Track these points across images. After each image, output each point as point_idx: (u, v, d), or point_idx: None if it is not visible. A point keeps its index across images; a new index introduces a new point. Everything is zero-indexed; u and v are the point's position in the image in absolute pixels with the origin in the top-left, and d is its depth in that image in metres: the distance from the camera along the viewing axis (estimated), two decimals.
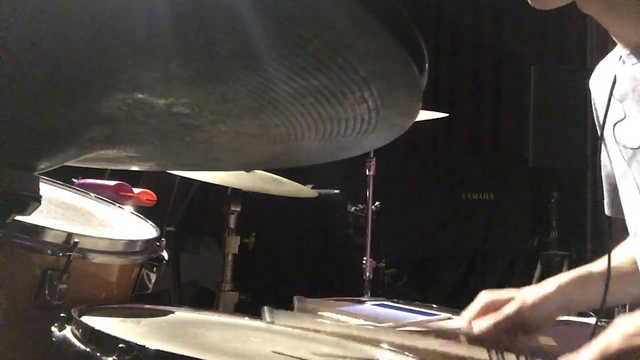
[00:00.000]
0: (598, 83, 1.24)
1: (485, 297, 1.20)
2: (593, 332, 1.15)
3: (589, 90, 1.28)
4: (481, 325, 1.14)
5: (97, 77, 0.49)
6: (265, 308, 0.96)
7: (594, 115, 1.27)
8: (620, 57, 1.14)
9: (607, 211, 1.32)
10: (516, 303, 1.16)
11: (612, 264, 1.21)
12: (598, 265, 1.25)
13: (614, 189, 1.24)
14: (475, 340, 1.13)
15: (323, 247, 3.17)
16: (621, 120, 1.13)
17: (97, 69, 0.48)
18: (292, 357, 0.92)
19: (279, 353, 0.93)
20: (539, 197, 3.44)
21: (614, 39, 1.14)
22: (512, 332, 1.14)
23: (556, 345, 1.17)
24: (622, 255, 1.27)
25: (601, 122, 1.15)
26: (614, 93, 1.13)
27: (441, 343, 1.05)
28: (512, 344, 1.13)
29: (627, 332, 0.85)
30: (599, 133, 1.22)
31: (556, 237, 3.17)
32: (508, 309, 1.15)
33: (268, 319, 0.95)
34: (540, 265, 3.12)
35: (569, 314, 1.28)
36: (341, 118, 0.51)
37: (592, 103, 1.27)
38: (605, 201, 1.32)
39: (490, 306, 1.18)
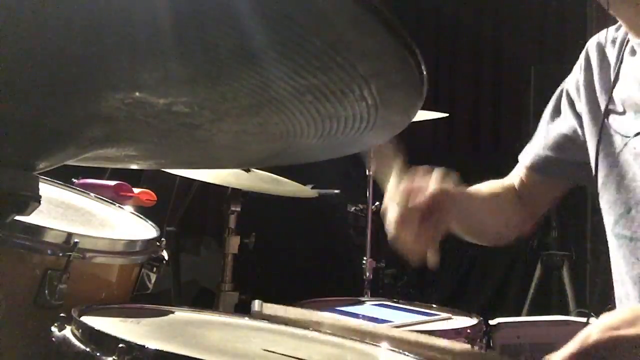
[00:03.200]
0: (597, 61, 1.25)
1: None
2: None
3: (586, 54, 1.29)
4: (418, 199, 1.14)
5: (96, 77, 0.49)
6: (256, 301, 0.96)
7: (579, 78, 1.28)
8: (624, 45, 1.15)
9: (522, 157, 1.43)
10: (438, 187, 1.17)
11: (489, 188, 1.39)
12: (474, 189, 1.38)
13: (547, 148, 1.34)
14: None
15: (323, 247, 3.17)
16: (620, 113, 1.15)
17: (97, 69, 0.48)
18: (292, 357, 0.92)
19: (280, 354, 0.93)
20: None
21: (626, 28, 1.14)
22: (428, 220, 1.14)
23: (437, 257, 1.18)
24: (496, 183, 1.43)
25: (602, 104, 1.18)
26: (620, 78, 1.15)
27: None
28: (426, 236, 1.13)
29: (606, 325, 0.86)
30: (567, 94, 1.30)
31: (556, 237, 3.17)
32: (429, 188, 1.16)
33: (257, 308, 0.95)
34: (540, 265, 3.12)
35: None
36: (340, 116, 0.51)
37: (584, 68, 1.28)
38: (531, 148, 1.40)
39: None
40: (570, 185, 1.41)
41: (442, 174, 1.20)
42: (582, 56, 1.30)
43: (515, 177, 1.46)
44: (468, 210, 1.29)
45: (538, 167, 1.39)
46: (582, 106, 1.28)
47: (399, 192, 1.14)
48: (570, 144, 1.32)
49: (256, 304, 0.95)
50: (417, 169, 1.20)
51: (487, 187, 1.43)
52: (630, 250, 1.13)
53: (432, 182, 1.17)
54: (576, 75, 1.32)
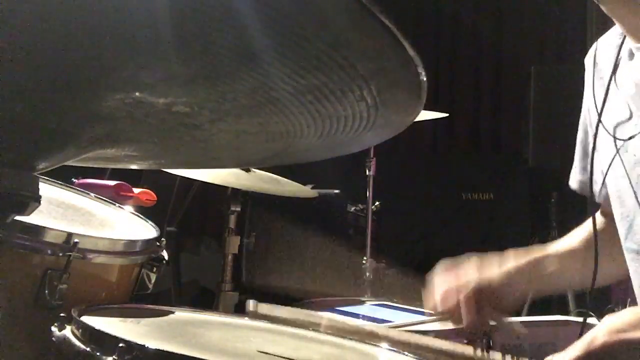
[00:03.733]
0: (598, 65, 1.23)
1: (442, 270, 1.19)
2: (582, 330, 1.15)
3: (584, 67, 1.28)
4: (445, 303, 1.14)
5: (97, 77, 0.49)
6: (250, 301, 0.96)
7: (587, 96, 1.26)
8: (620, 48, 1.13)
9: (572, 184, 1.37)
10: (474, 284, 1.16)
11: (566, 244, 1.30)
12: (554, 247, 1.30)
13: (586, 165, 1.26)
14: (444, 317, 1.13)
15: (323, 247, 3.17)
16: (627, 120, 1.13)
17: (97, 69, 0.48)
18: (292, 357, 0.92)
19: (279, 356, 0.93)
20: (538, 197, 3.44)
21: (624, 32, 1.13)
22: (479, 309, 1.14)
23: (526, 332, 1.18)
24: (577, 235, 1.31)
25: (599, 106, 1.16)
26: (617, 86, 1.14)
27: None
28: (483, 322, 1.13)
29: (612, 328, 0.86)
30: (584, 115, 1.26)
31: (556, 237, 3.16)
32: (469, 284, 1.15)
33: (251, 308, 0.95)
34: None
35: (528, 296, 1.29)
36: (340, 116, 0.51)
37: (588, 80, 1.27)
38: (574, 175, 1.35)
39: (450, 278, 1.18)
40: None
41: (479, 264, 1.19)
42: (586, 64, 1.28)
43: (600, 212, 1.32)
44: (543, 277, 1.25)
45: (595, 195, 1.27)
46: (592, 117, 1.25)
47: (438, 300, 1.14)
48: None
49: (251, 304, 0.95)
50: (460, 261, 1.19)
51: (567, 242, 1.33)
52: (639, 264, 1.11)
53: (467, 278, 1.16)
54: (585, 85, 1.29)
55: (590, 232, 1.22)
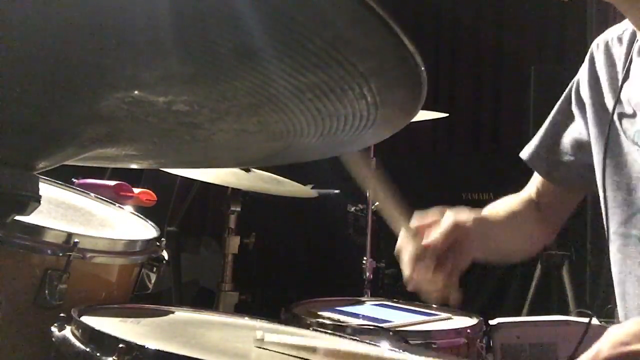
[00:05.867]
0: (603, 60, 1.24)
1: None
2: (586, 331, 1.16)
3: (590, 56, 1.28)
4: (430, 237, 1.13)
5: (96, 76, 0.49)
6: (257, 332, 0.96)
7: (588, 83, 1.27)
8: (633, 45, 1.14)
9: (525, 155, 1.42)
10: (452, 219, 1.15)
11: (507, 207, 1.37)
12: (498, 210, 1.36)
13: (552, 150, 1.34)
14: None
15: (323, 247, 3.17)
16: (632, 115, 1.14)
17: (97, 68, 0.48)
18: (293, 356, 0.92)
19: (280, 353, 0.93)
20: None
21: (634, 27, 1.13)
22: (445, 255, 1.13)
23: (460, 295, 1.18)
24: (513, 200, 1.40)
25: (609, 100, 1.17)
26: (630, 77, 1.14)
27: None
28: (441, 267, 1.12)
29: (617, 340, 0.86)
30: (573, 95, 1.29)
31: (556, 237, 3.16)
32: (445, 225, 1.14)
33: (258, 337, 0.95)
34: (540, 265, 3.11)
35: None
36: (340, 114, 0.51)
37: (588, 69, 1.27)
38: (533, 148, 1.40)
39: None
40: (586, 190, 1.39)
41: (455, 211, 1.17)
42: (587, 56, 1.29)
43: (532, 187, 1.42)
44: (489, 236, 1.25)
45: (552, 175, 1.37)
46: (588, 107, 1.26)
47: (411, 232, 1.11)
48: (580, 147, 1.30)
49: (257, 335, 0.95)
50: (430, 211, 1.18)
51: (504, 205, 1.39)
52: (639, 250, 1.12)
53: (445, 217, 1.15)
54: (581, 76, 1.30)
55: (522, 200, 1.40)
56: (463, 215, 1.17)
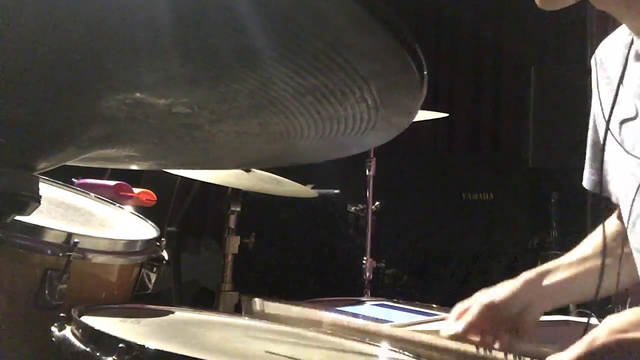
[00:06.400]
0: (604, 64, 1.23)
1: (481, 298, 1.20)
2: (585, 330, 1.15)
3: (591, 67, 1.28)
4: (455, 327, 1.14)
5: (97, 77, 0.49)
6: (256, 300, 0.95)
7: (595, 96, 1.26)
8: (629, 50, 1.13)
9: (585, 184, 1.35)
10: (481, 301, 1.16)
11: (579, 252, 1.28)
12: (567, 257, 1.28)
13: (598, 165, 1.25)
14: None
15: (323, 247, 3.17)
16: (632, 118, 1.13)
17: (97, 69, 0.48)
18: (292, 357, 0.92)
19: (279, 354, 0.93)
20: (538, 197, 3.44)
21: (631, 33, 1.13)
22: (494, 332, 1.14)
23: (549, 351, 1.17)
24: (590, 242, 1.29)
25: (606, 110, 1.16)
26: (624, 85, 1.13)
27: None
28: (501, 345, 1.13)
29: (613, 328, 0.86)
30: (594, 114, 1.25)
31: (556, 237, 3.17)
32: (474, 308, 1.15)
33: (258, 308, 0.95)
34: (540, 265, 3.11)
35: (552, 311, 1.28)
36: (341, 117, 0.51)
37: (594, 80, 1.26)
38: (586, 174, 1.34)
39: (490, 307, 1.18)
40: None
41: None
42: (592, 64, 1.28)
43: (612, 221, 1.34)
44: (555, 288, 1.23)
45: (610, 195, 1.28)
46: (592, 115, 1.26)
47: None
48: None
49: (257, 303, 0.94)
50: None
51: (581, 250, 1.31)
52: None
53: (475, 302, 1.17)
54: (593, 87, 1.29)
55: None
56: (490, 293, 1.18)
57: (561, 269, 1.26)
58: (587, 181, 1.35)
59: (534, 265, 3.50)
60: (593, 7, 1.09)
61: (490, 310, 1.15)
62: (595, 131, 1.30)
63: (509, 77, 4.05)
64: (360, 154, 2.55)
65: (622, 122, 1.14)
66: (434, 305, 1.73)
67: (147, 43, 0.44)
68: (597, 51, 1.27)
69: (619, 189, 1.17)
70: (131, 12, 0.42)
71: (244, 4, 0.40)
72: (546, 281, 1.23)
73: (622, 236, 1.20)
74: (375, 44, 0.42)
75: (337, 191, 3.16)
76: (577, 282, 1.25)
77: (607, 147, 1.18)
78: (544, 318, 1.73)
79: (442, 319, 1.61)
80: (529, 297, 1.19)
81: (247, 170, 1.92)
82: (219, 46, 0.44)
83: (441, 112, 2.47)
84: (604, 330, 0.86)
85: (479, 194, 3.45)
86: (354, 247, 2.90)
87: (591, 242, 1.30)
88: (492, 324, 1.15)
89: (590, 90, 1.28)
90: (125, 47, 0.45)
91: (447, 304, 1.79)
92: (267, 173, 2.03)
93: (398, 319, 1.57)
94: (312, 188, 2.46)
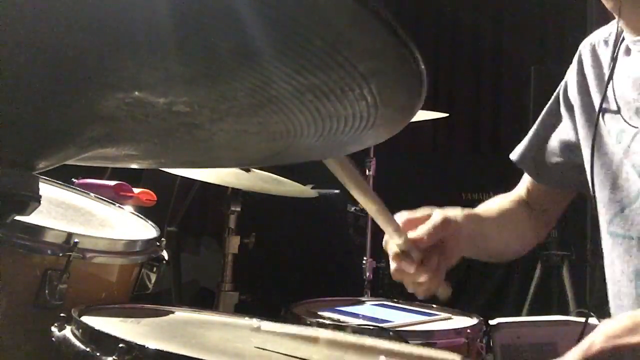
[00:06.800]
0: (590, 62, 1.25)
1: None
2: (583, 330, 1.16)
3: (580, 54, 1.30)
4: (417, 232, 1.12)
5: (96, 76, 0.49)
6: (254, 319, 0.96)
7: (576, 81, 1.28)
8: (618, 45, 1.15)
9: (514, 155, 1.43)
10: (442, 214, 1.15)
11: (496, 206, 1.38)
12: (483, 209, 1.35)
13: (541, 151, 1.35)
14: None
15: (323, 247, 3.17)
16: (615, 112, 1.16)
17: (97, 68, 0.48)
18: (292, 357, 0.92)
19: (279, 353, 0.93)
20: None
21: (624, 27, 1.14)
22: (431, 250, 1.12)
23: (448, 293, 1.16)
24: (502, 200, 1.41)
25: (596, 100, 1.19)
26: (613, 79, 1.16)
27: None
28: (427, 264, 1.10)
29: (609, 333, 0.86)
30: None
31: (556, 237, 3.17)
32: (436, 218, 1.13)
33: (255, 326, 0.95)
34: (540, 265, 3.11)
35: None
36: (340, 115, 0.51)
37: (577, 71, 1.29)
38: (522, 149, 1.42)
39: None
40: (575, 190, 1.40)
41: (445, 209, 1.17)
42: (575, 59, 1.31)
43: (522, 187, 1.44)
44: (479, 234, 1.25)
45: (541, 175, 1.38)
46: (576, 108, 1.28)
47: (395, 227, 1.09)
48: (568, 148, 1.32)
49: (254, 322, 0.95)
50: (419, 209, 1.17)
51: (495, 204, 1.40)
52: (625, 249, 1.14)
53: (434, 214, 1.14)
54: (569, 78, 1.32)
55: (513, 199, 1.42)
56: (453, 212, 1.17)
57: (488, 222, 1.32)
58: (518, 155, 1.42)
59: (534, 265, 3.48)
60: (593, 7, 1.10)
61: (443, 226, 1.12)
62: (554, 114, 1.33)
63: (509, 77, 4.05)
64: (360, 154, 2.55)
65: (605, 111, 1.17)
66: (434, 305, 1.73)
67: (146, 42, 0.44)
68: (583, 45, 1.29)
69: (597, 175, 1.19)
70: (131, 12, 0.42)
71: (244, 3, 0.40)
72: (479, 228, 1.26)
73: (519, 210, 1.37)
74: (375, 42, 0.42)
75: (337, 191, 3.16)
76: (496, 242, 1.34)
77: (582, 139, 1.23)
78: (544, 318, 1.73)
79: (442, 319, 1.61)
80: (467, 231, 1.18)
81: (247, 170, 1.92)
82: (219, 45, 0.44)
83: (441, 112, 2.47)
84: (600, 335, 0.86)
85: (479, 194, 3.45)
86: (354, 247, 2.90)
87: (504, 200, 1.43)
88: (435, 239, 1.12)
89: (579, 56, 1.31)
90: (125, 46, 0.45)
91: (447, 304, 1.79)
92: (267, 173, 2.03)
93: (398, 319, 1.57)
94: (312, 188, 2.46)
